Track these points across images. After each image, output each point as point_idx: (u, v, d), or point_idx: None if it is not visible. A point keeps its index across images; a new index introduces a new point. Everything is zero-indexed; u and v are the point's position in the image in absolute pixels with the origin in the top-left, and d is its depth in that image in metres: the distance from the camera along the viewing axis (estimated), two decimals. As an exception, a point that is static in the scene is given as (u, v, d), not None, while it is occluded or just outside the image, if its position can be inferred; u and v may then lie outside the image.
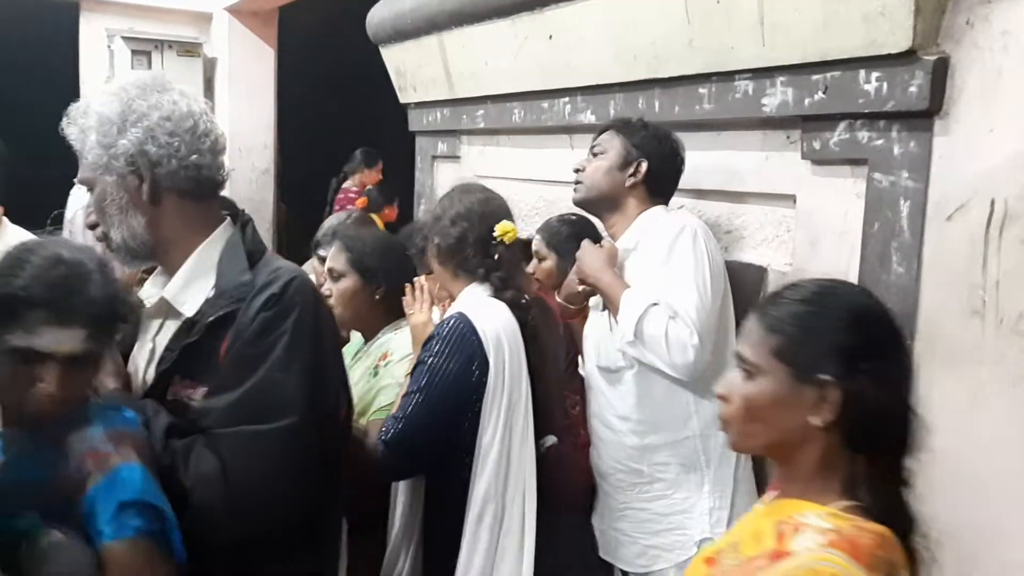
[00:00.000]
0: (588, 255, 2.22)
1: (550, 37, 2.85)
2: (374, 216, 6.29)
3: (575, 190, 2.31)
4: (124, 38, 6.69)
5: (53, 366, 1.36)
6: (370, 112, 6.80)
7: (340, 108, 7.91)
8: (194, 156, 1.60)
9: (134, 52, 6.73)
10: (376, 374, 2.29)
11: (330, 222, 3.09)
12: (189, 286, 1.61)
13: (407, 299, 2.29)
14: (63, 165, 6.48)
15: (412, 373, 2.05)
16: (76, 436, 1.40)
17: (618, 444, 2.20)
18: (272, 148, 7.07)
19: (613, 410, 2.21)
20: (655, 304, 2.02)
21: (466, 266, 2.14)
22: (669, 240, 2.09)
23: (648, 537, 2.17)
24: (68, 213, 5.21)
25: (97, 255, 1.48)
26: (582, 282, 2.22)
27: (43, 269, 1.37)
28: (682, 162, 2.29)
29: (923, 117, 1.84)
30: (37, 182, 5.34)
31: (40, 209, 4.98)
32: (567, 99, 2.92)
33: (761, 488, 2.19)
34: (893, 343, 1.23)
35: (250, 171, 6.96)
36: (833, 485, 1.22)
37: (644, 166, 2.22)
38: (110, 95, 1.60)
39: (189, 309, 1.58)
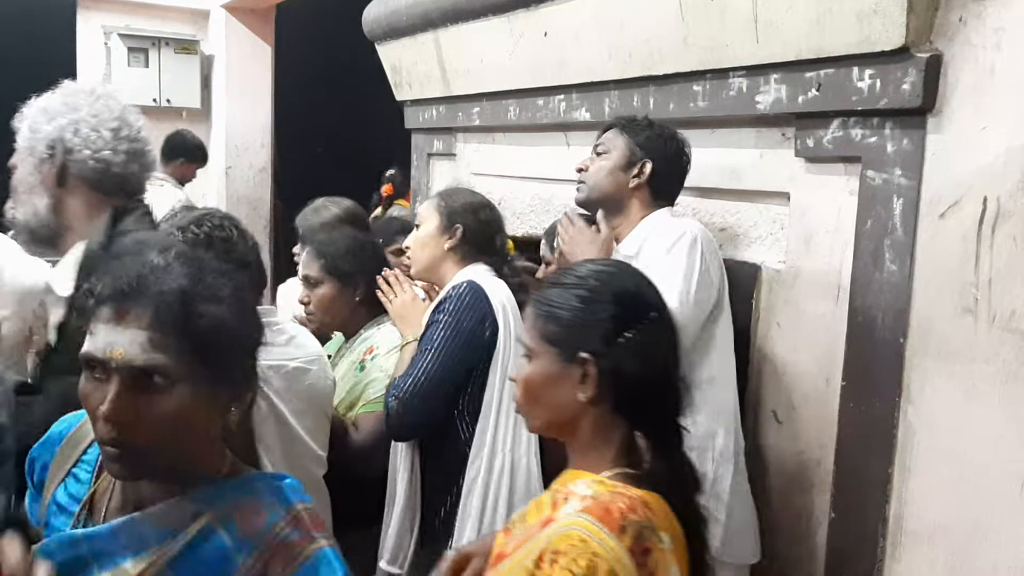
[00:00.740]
0: (579, 237, 2.18)
1: (545, 34, 2.85)
2: (401, 201, 6.29)
3: (578, 190, 2.28)
4: (121, 35, 6.69)
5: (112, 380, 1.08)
6: (368, 109, 6.78)
7: (338, 106, 7.90)
8: (107, 152, 1.78)
9: (131, 49, 6.73)
10: (363, 368, 2.29)
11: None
12: (67, 269, 1.73)
13: (382, 289, 2.36)
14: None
15: (423, 336, 2.15)
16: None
17: None
18: (269, 146, 7.05)
19: None
20: None
21: (483, 249, 2.27)
22: (667, 244, 2.08)
23: None
24: None
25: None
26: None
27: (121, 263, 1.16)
28: (688, 162, 2.26)
29: (916, 115, 1.84)
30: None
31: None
32: (562, 96, 2.92)
33: (759, 501, 2.19)
34: (648, 318, 1.32)
35: (247, 169, 6.95)
36: (606, 455, 1.31)
37: (648, 167, 2.18)
38: (58, 93, 1.82)
39: (62, 290, 1.69)
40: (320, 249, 2.42)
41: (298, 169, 7.30)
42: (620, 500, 1.23)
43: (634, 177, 2.20)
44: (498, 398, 2.14)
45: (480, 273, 2.25)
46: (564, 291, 1.34)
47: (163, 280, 1.10)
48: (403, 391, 2.06)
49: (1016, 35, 1.69)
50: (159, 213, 2.01)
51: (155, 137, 6.79)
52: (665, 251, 2.06)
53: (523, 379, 1.35)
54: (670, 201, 2.25)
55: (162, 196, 4.71)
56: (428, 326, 2.15)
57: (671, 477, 1.32)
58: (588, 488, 1.27)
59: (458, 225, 2.28)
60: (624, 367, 1.28)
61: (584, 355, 1.29)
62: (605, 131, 2.29)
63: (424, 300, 2.39)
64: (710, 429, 2.08)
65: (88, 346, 1.09)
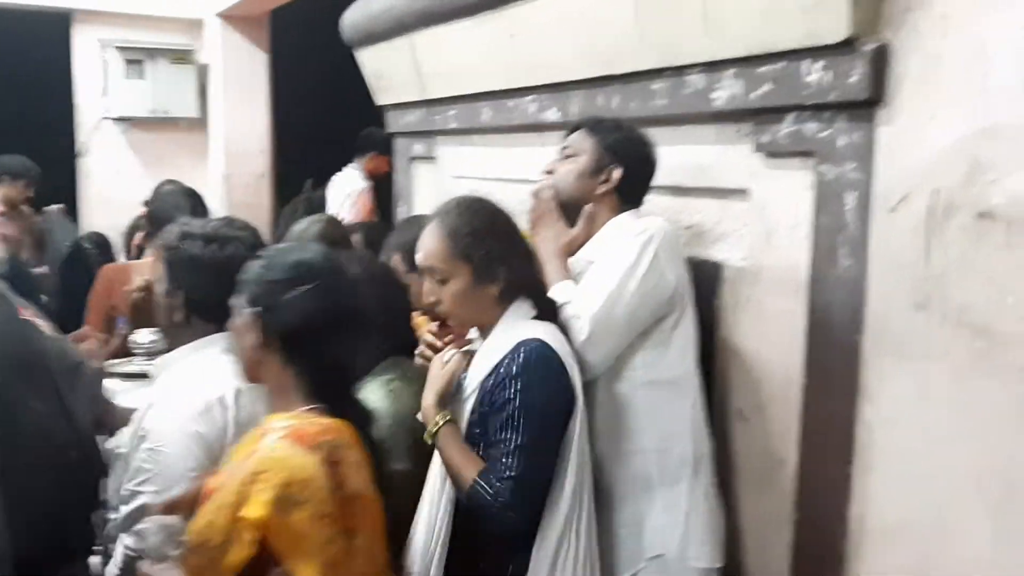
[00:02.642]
0: (546, 232, 2.13)
1: (512, 36, 2.83)
2: None
3: None
4: (117, 47, 6.73)
5: None
6: (366, 114, 6.77)
7: (335, 111, 7.90)
8: None
9: (128, 62, 6.77)
10: None
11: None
12: None
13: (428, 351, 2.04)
14: (56, 176, 6.52)
15: (503, 423, 1.77)
16: None
17: None
18: (268, 153, 7.07)
19: None
20: (567, 303, 1.98)
21: (513, 283, 1.89)
22: (623, 240, 2.03)
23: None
24: None
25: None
26: None
27: None
28: (655, 166, 2.18)
29: (865, 107, 1.80)
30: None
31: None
32: (532, 97, 2.90)
33: (728, 502, 2.16)
34: (312, 284, 1.64)
35: (247, 176, 6.98)
36: (295, 396, 1.64)
37: (618, 173, 2.11)
38: None
39: None
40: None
41: (300, 174, 7.31)
42: (312, 427, 1.56)
43: (602, 183, 2.12)
44: (576, 479, 1.83)
45: (526, 319, 1.90)
46: (254, 267, 1.70)
47: None
48: (507, 497, 1.71)
49: (961, 21, 1.65)
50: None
51: (154, 149, 6.83)
52: (618, 246, 2.03)
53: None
54: (637, 203, 2.19)
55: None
56: (501, 408, 1.78)
57: (349, 409, 1.70)
58: (284, 422, 1.58)
59: (498, 269, 1.87)
60: (286, 317, 1.62)
61: (253, 310, 1.63)
62: (572, 132, 2.22)
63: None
64: (668, 432, 2.03)
65: None
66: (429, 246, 1.89)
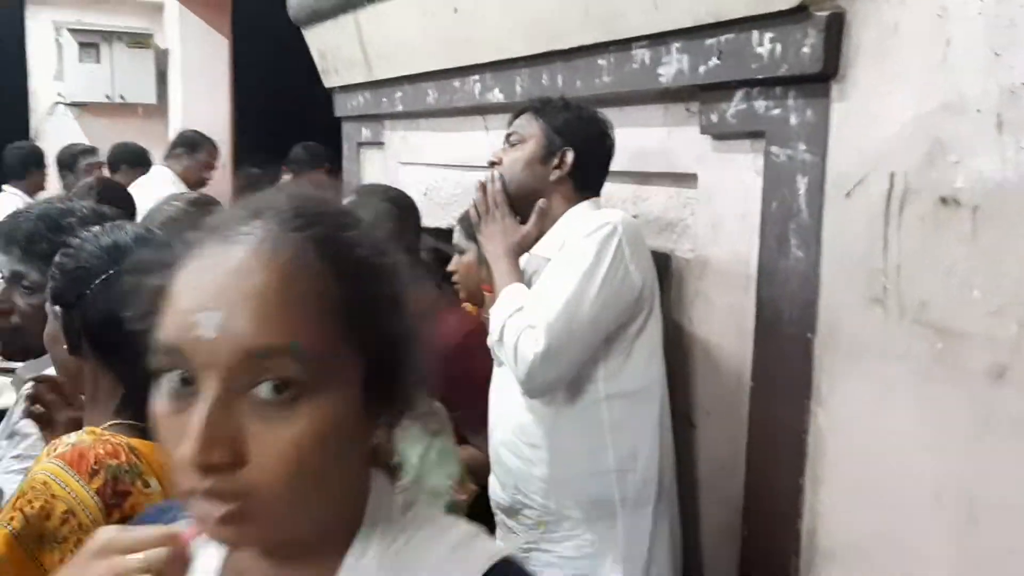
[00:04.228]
0: (493, 228, 1.92)
1: (455, 11, 2.64)
2: None
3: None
4: (71, 30, 6.51)
5: None
6: (330, 102, 6.59)
7: (298, 99, 7.68)
8: None
9: (82, 45, 6.55)
10: None
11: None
12: None
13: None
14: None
15: None
16: None
17: (527, 476, 1.88)
18: (229, 142, 6.85)
19: (526, 436, 1.87)
20: (518, 310, 1.77)
21: None
22: (583, 235, 1.79)
23: None
24: None
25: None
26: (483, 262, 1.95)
27: None
28: (611, 145, 1.97)
29: (819, 81, 1.63)
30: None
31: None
32: (476, 77, 2.71)
33: (686, 532, 1.98)
34: (106, 274, 1.31)
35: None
36: (107, 407, 1.32)
37: (570, 156, 1.89)
38: None
39: None
40: None
41: (259, 164, 7.09)
42: (101, 447, 1.24)
43: (555, 168, 1.91)
44: None
45: None
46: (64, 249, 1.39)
47: None
48: None
49: (922, -13, 1.48)
50: None
51: (110, 135, 6.58)
52: (576, 244, 1.80)
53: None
54: (595, 191, 1.96)
55: None
56: None
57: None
58: (75, 437, 1.27)
59: None
60: (86, 312, 1.31)
61: (56, 307, 1.35)
62: (518, 116, 2.00)
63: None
64: (632, 448, 1.82)
65: None
66: None
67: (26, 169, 5.06)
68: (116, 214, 1.73)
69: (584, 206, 1.92)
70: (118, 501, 1.20)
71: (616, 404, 1.81)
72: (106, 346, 1.32)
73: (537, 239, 1.93)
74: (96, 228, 1.38)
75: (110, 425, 1.30)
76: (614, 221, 1.79)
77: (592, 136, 1.94)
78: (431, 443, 1.70)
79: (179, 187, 4.61)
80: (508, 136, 1.98)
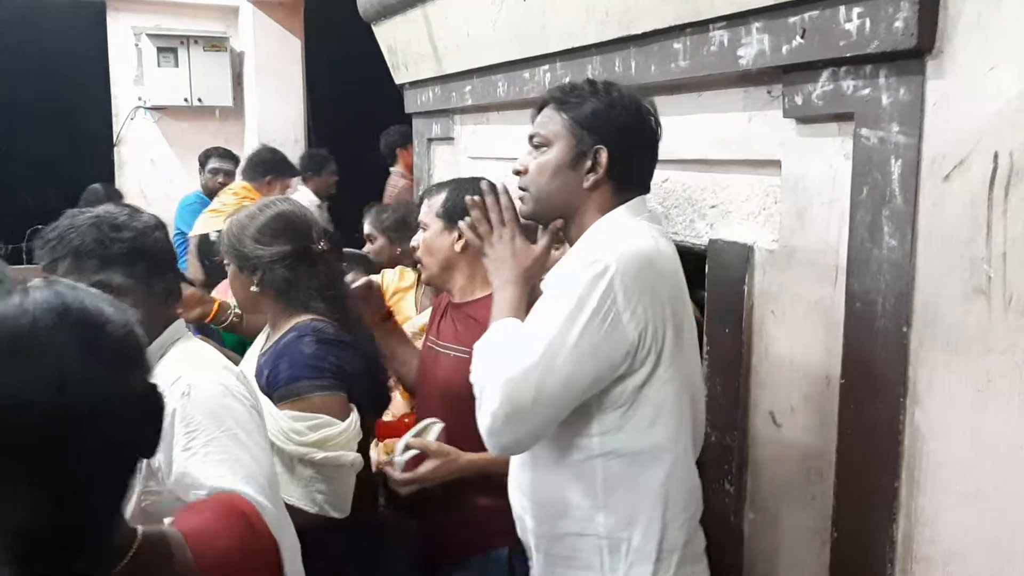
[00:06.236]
0: (501, 252, 1.72)
1: (524, 0, 2.58)
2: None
3: (522, 200, 1.73)
4: (150, 35, 6.65)
5: None
6: (401, 100, 6.59)
7: (372, 98, 7.73)
8: None
9: (160, 49, 6.68)
10: None
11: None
12: None
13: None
14: (93, 165, 6.50)
15: None
16: None
17: (521, 519, 1.75)
18: (303, 142, 6.93)
19: (516, 480, 1.74)
20: (499, 353, 1.58)
21: None
22: (581, 267, 1.55)
23: None
24: None
25: None
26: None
27: None
28: (655, 132, 1.70)
29: (913, 58, 1.52)
30: (73, 183, 5.32)
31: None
32: (546, 67, 2.65)
33: (758, 517, 1.89)
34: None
35: (282, 166, 6.84)
36: None
37: (604, 155, 1.63)
38: None
39: None
40: None
41: (336, 164, 7.15)
42: None
43: (588, 173, 1.64)
44: None
45: None
46: None
47: None
48: None
49: (1028, -49, 1.37)
50: None
51: (188, 138, 6.77)
52: (569, 275, 1.56)
53: None
54: (642, 188, 1.72)
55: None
56: None
57: None
58: None
59: None
60: None
61: None
62: (540, 110, 1.72)
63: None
64: (629, 515, 1.61)
65: None
66: None
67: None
68: None
69: (619, 213, 1.67)
70: None
71: (613, 464, 1.60)
72: None
73: (554, 261, 1.76)
74: None
75: None
76: (607, 260, 1.51)
77: (629, 126, 1.66)
78: None
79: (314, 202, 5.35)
80: (531, 138, 1.72)
